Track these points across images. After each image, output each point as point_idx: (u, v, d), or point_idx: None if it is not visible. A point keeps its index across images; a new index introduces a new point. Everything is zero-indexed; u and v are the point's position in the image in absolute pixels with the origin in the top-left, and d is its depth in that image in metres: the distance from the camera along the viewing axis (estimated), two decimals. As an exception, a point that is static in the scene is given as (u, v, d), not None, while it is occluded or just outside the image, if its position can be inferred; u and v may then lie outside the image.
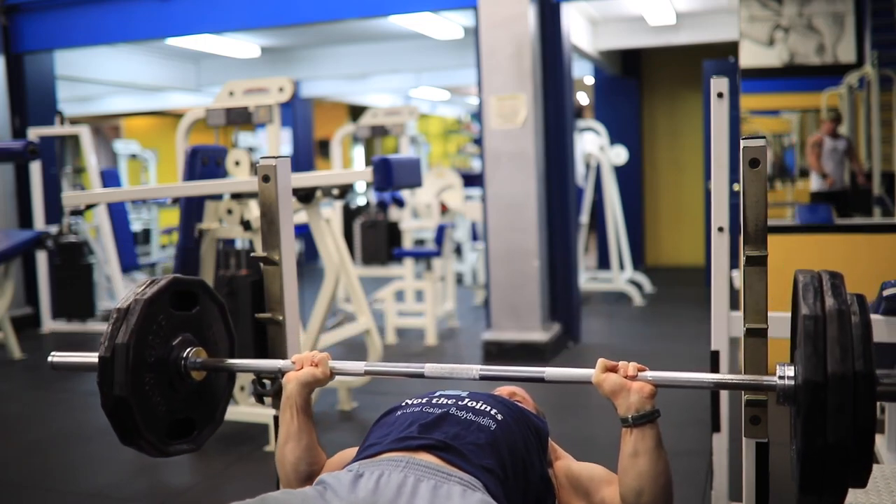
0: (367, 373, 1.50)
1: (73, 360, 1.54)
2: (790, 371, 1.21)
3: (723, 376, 1.38)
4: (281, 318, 1.65)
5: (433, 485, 1.24)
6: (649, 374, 1.33)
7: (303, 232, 6.08)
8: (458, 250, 7.77)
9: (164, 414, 1.47)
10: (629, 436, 1.31)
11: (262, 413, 3.29)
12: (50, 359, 1.54)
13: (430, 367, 1.44)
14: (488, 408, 1.44)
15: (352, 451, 1.53)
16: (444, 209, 6.47)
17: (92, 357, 1.45)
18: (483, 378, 1.41)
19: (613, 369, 1.34)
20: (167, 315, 1.48)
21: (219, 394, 1.63)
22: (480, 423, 1.40)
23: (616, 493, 1.37)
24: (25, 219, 6.04)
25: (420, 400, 1.49)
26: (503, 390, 1.68)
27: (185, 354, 1.50)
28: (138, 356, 1.40)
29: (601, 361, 1.34)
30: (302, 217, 3.55)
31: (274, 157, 1.63)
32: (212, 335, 1.60)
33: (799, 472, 1.11)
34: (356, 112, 12.86)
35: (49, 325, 5.95)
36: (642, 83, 8.70)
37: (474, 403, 1.45)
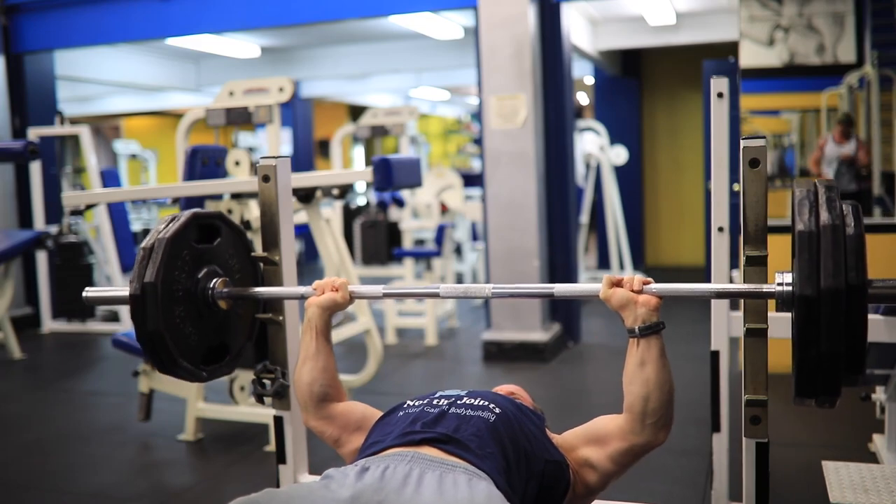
0: (385, 295, 1.57)
1: (104, 295, 1.59)
2: (788, 278, 1.25)
3: (724, 285, 1.40)
4: (281, 318, 1.66)
5: (439, 474, 1.26)
6: (654, 286, 1.38)
7: (303, 232, 6.08)
8: (458, 250, 7.76)
9: (197, 342, 1.53)
10: (636, 347, 1.38)
11: (262, 413, 3.29)
12: (84, 294, 1.58)
13: (444, 287, 1.50)
14: (487, 403, 1.47)
15: (367, 407, 1.60)
16: (444, 209, 6.47)
17: (123, 291, 1.50)
18: (495, 296, 1.48)
19: (619, 284, 1.40)
20: (190, 250, 1.51)
21: (247, 319, 1.67)
22: (480, 415, 1.42)
23: (621, 422, 1.41)
24: (25, 219, 6.04)
25: (420, 401, 1.50)
26: (501, 389, 1.70)
27: (211, 285, 1.54)
28: (167, 291, 1.44)
29: (607, 277, 1.40)
30: (302, 217, 3.55)
31: (274, 157, 1.64)
32: (235, 264, 1.63)
33: (795, 375, 1.15)
34: (356, 112, 12.86)
35: (49, 325, 5.95)
36: (642, 83, 8.69)
37: (473, 400, 1.47)
